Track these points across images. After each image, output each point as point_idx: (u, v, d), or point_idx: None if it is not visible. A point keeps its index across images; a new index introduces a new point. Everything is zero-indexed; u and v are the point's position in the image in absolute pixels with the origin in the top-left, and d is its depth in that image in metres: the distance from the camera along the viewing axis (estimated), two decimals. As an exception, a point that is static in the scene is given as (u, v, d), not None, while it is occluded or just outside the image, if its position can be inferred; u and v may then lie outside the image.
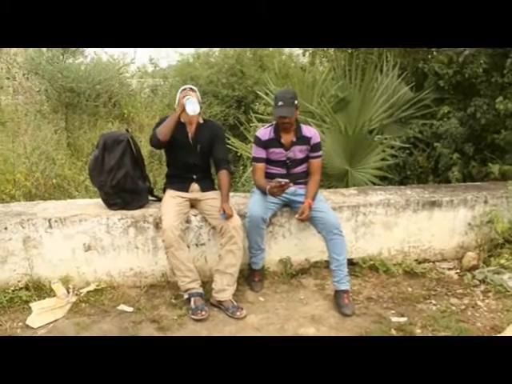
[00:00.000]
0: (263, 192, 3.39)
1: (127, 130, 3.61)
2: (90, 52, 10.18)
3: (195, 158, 3.45)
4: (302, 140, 3.44)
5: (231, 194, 3.62)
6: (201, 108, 3.36)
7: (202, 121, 3.50)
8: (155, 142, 3.35)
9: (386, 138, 4.89)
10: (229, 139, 5.33)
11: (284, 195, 3.46)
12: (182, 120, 3.42)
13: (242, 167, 6.38)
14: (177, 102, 3.45)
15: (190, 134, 3.44)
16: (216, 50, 9.73)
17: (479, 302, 3.43)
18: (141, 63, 10.77)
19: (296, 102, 3.36)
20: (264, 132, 3.48)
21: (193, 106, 3.25)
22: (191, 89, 3.46)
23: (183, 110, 3.29)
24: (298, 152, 3.45)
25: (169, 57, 11.78)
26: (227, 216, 3.21)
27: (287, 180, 3.25)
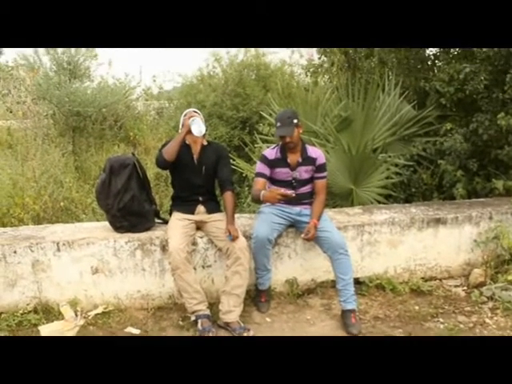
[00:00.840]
0: (257, 201, 3.41)
1: (133, 154, 3.66)
2: (97, 76, 10.36)
3: (200, 179, 3.48)
4: (308, 160, 3.48)
5: (237, 215, 3.65)
6: (206, 130, 3.42)
7: (205, 142, 3.54)
8: (161, 162, 3.41)
9: (389, 157, 4.92)
10: (234, 160, 5.37)
11: (289, 215, 3.49)
12: (187, 142, 3.47)
13: (247, 188, 6.39)
14: (181, 125, 3.50)
15: (194, 156, 3.49)
16: (219, 71, 9.85)
17: (487, 320, 3.41)
18: (146, 86, 10.87)
19: (295, 120, 3.40)
20: (270, 152, 3.53)
21: (199, 127, 3.32)
22: (195, 111, 3.52)
23: (189, 131, 3.34)
24: (303, 172, 3.49)
25: (173, 79, 11.93)
26: (233, 237, 3.23)
27: (293, 192, 3.29)
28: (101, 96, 8.99)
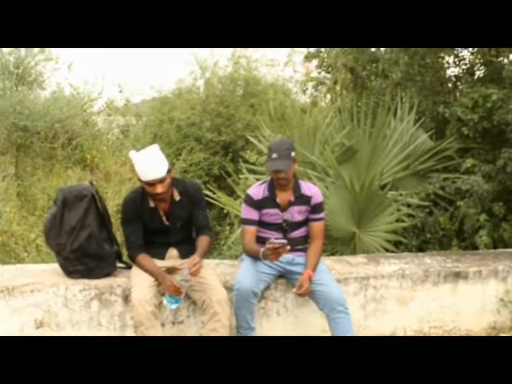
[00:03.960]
0: (255, 258, 3.45)
1: (91, 183, 3.70)
2: (52, 83, 10.44)
3: (174, 232, 3.55)
4: (301, 199, 3.54)
5: (216, 261, 3.71)
6: (169, 170, 3.35)
7: (178, 198, 3.50)
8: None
9: (400, 195, 5.01)
10: (214, 193, 5.44)
11: (279, 264, 3.54)
12: (151, 205, 3.45)
13: (228, 227, 6.45)
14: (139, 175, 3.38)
15: (163, 218, 3.50)
16: (200, 84, 10.03)
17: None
18: (109, 98, 10.82)
19: (293, 153, 3.48)
20: (257, 190, 3.59)
21: (171, 306, 3.35)
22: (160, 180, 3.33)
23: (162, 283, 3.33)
24: (296, 213, 3.55)
25: (143, 91, 11.94)
26: (192, 271, 3.24)
27: (284, 241, 3.29)
28: (55, 108, 9.05)
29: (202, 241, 3.50)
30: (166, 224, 3.51)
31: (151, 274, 3.36)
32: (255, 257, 3.44)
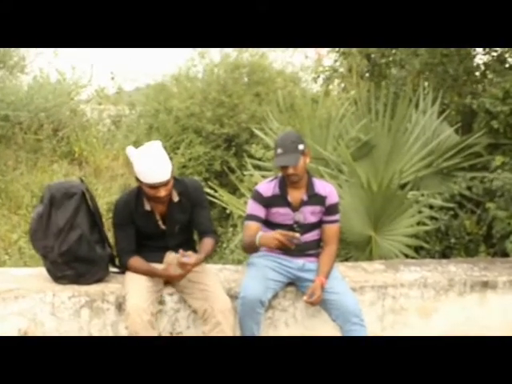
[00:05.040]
0: (252, 250, 3.49)
1: (81, 180, 3.71)
2: (35, 68, 10.44)
3: (173, 238, 3.58)
4: (315, 199, 3.56)
5: (218, 266, 3.71)
6: (171, 172, 3.36)
7: (177, 199, 3.51)
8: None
9: (422, 195, 5.00)
10: (215, 191, 5.43)
11: (289, 270, 3.57)
12: (147, 208, 3.48)
13: (231, 228, 6.45)
14: (137, 174, 3.39)
15: (159, 222, 3.53)
16: (200, 69, 10.03)
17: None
18: (99, 86, 10.78)
19: (301, 146, 3.49)
20: (266, 187, 3.62)
21: None
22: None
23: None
24: (308, 214, 3.56)
25: (136, 80, 11.71)
26: (184, 263, 3.25)
27: (300, 239, 3.33)
28: (39, 96, 9.06)
29: (207, 244, 3.49)
30: (163, 228, 3.54)
31: (149, 274, 3.41)
32: (252, 246, 3.46)
